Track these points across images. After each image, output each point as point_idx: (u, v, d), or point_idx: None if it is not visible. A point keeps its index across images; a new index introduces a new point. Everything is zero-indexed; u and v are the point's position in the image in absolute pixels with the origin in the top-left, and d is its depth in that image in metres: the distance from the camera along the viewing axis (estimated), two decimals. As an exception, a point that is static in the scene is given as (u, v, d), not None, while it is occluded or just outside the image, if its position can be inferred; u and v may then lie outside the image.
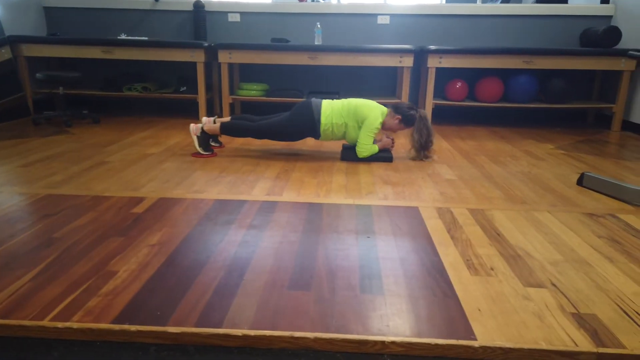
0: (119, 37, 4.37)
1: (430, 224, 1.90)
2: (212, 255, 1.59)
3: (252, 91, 4.38)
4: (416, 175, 2.65)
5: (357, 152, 2.89)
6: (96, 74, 4.82)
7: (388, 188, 2.39)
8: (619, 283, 1.44)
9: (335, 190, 2.34)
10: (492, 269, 1.52)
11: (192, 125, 2.96)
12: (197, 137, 2.94)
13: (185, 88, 4.45)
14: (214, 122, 3.09)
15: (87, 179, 2.43)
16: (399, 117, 2.91)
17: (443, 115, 4.60)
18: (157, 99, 4.74)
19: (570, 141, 3.69)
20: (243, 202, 2.13)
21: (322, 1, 4.92)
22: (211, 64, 4.55)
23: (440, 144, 3.52)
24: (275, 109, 4.83)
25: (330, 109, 2.89)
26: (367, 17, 4.62)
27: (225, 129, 2.96)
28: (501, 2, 4.71)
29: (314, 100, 2.94)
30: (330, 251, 1.63)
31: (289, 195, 2.24)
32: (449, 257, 1.60)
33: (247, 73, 4.80)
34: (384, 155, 2.95)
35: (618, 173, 2.74)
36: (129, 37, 4.38)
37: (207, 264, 1.52)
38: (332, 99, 3.00)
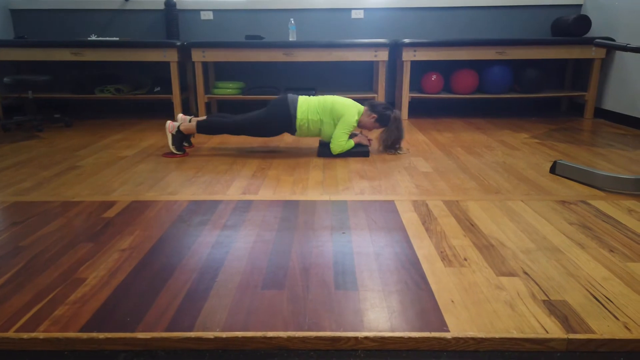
0: (89, 39, 4.28)
1: (406, 217, 1.90)
2: (185, 258, 1.56)
3: (228, 89, 4.34)
4: (393, 168, 2.65)
5: (331, 148, 2.89)
6: (68, 76, 4.72)
7: (364, 182, 2.38)
8: (589, 269, 1.45)
9: (311, 186, 2.33)
10: (465, 259, 1.52)
11: (168, 123, 2.92)
12: (172, 135, 2.90)
13: (159, 88, 4.39)
14: (190, 122, 3.05)
15: (57, 184, 2.38)
16: (375, 116, 2.92)
17: (420, 108, 4.62)
18: (131, 100, 4.67)
19: (544, 130, 3.73)
20: (218, 202, 2.10)
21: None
22: (185, 63, 4.50)
23: (417, 136, 3.53)
24: (252, 107, 4.81)
25: (307, 105, 2.88)
26: (341, 12, 4.61)
27: (202, 127, 2.92)
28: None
29: (290, 95, 2.93)
30: (304, 249, 1.62)
31: (264, 194, 2.22)
32: (424, 249, 1.60)
33: (223, 71, 4.75)
34: (360, 150, 2.94)
35: (590, 160, 2.78)
36: (99, 38, 4.30)
37: (179, 267, 1.50)
38: (309, 95, 2.99)
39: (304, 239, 1.70)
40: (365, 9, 4.59)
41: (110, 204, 2.08)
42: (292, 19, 4.25)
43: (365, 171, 2.61)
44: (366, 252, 1.59)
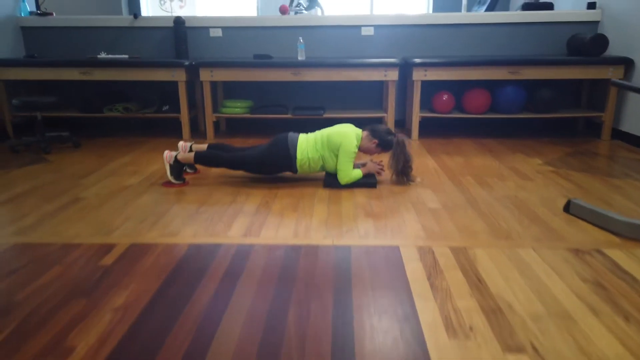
0: (98, 56, 4.28)
1: (411, 269, 1.84)
2: (180, 317, 1.52)
3: (236, 108, 4.30)
4: (400, 203, 2.58)
5: (338, 179, 2.82)
6: (77, 94, 4.73)
7: (369, 222, 2.32)
8: (602, 344, 1.37)
9: (315, 226, 2.27)
10: (471, 328, 1.45)
11: (166, 153, 2.89)
12: (170, 165, 2.87)
13: (167, 107, 4.36)
14: (191, 149, 3.01)
15: (59, 220, 2.35)
16: (376, 141, 2.85)
17: (430, 128, 4.53)
18: (138, 118, 4.66)
19: (559, 154, 3.62)
20: (218, 246, 2.06)
21: (306, 12, 4.84)
22: (194, 81, 4.47)
23: (427, 161, 3.46)
24: (260, 126, 4.77)
25: (306, 144, 2.83)
26: (350, 29, 4.54)
27: (199, 159, 2.88)
28: (485, 10, 4.63)
29: (290, 134, 2.87)
30: (303, 311, 1.56)
31: (266, 235, 2.16)
32: (427, 314, 1.53)
33: (231, 90, 4.72)
34: (367, 182, 2.88)
35: (606, 195, 2.68)
36: (109, 56, 4.29)
37: (173, 330, 1.45)
38: (305, 132, 2.93)
39: (304, 299, 1.64)
40: (375, 26, 4.52)
41: (110, 248, 2.04)
42: (300, 38, 4.19)
43: (372, 206, 2.54)
44: (367, 317, 1.53)
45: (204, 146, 3.09)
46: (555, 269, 1.83)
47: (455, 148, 3.87)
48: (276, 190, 2.82)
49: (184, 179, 2.93)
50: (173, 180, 2.88)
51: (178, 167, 2.89)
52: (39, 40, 4.64)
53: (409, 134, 4.35)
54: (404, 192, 2.79)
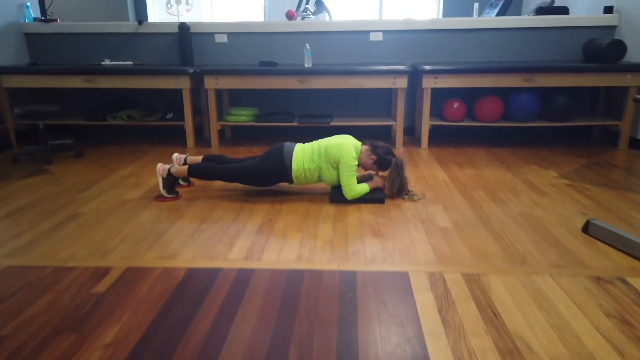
0: (102, 63, 4.21)
1: (420, 300, 1.73)
2: (172, 357, 1.42)
3: (241, 116, 4.21)
4: (409, 221, 2.47)
5: (344, 195, 2.72)
6: (81, 102, 4.66)
7: (376, 243, 2.21)
8: (631, 395, 1.26)
9: (320, 247, 2.17)
10: (486, 373, 1.34)
11: (159, 166, 2.81)
12: (163, 178, 2.79)
13: (172, 115, 4.28)
14: (185, 161, 2.93)
15: (55, 240, 2.27)
16: (374, 157, 2.76)
17: (440, 136, 4.41)
18: (142, 126, 4.58)
19: (575, 165, 3.49)
20: (218, 270, 1.96)
21: (313, 17, 4.73)
22: (199, 88, 4.38)
23: (436, 173, 3.34)
24: (266, 134, 4.68)
25: (302, 154, 2.74)
26: (359, 34, 4.43)
27: (194, 172, 2.80)
28: (497, 14, 4.50)
29: (286, 144, 2.79)
30: (305, 348, 1.46)
31: (268, 258, 2.07)
32: (439, 355, 1.42)
33: (237, 97, 4.63)
34: (375, 197, 2.77)
35: (627, 214, 2.55)
36: (113, 62, 4.22)
37: (165, 372, 1.36)
38: (310, 141, 2.84)
39: (306, 333, 1.53)
40: (384, 31, 4.40)
41: (105, 272, 1.95)
42: (307, 45, 4.09)
43: (379, 224, 2.43)
44: (374, 358, 1.42)
45: (199, 158, 3.00)
46: (576, 301, 1.71)
47: (467, 158, 3.74)
48: (280, 206, 2.72)
49: (176, 193, 2.85)
50: (165, 194, 2.80)
51: (171, 181, 2.81)
52: (43, 47, 4.58)
53: (418, 142, 4.23)
54: (413, 208, 2.67)
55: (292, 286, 1.83)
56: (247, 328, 1.56)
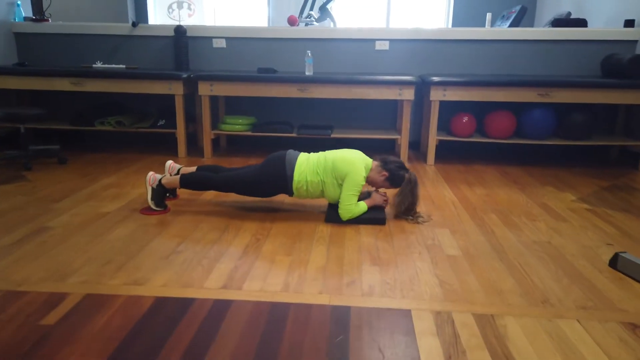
0: (94, 65, 3.99)
1: (424, 346, 1.45)
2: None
3: (237, 125, 3.97)
4: (412, 247, 2.20)
5: (340, 214, 2.46)
6: (70, 106, 4.44)
7: (375, 272, 1.94)
8: None
9: (310, 276, 1.90)
10: None
11: (149, 175, 2.56)
12: (153, 189, 2.54)
13: (163, 122, 4.04)
14: (178, 172, 2.67)
15: (13, 258, 2.01)
16: (386, 174, 2.49)
17: (448, 152, 4.15)
18: (133, 133, 4.35)
19: (593, 188, 3.21)
20: (190, 301, 1.70)
21: (317, 24, 4.51)
22: (193, 95, 4.15)
23: (444, 192, 3.07)
24: (263, 145, 4.44)
25: (306, 164, 2.48)
26: (364, 43, 4.20)
27: (186, 182, 2.55)
28: (509, 26, 4.26)
29: (289, 152, 2.53)
30: (281, 410, 1.19)
31: (250, 287, 1.80)
32: None
33: (233, 105, 4.39)
34: (375, 217, 2.50)
35: (657, 245, 2.27)
36: (105, 66, 4.00)
37: None
38: (310, 152, 2.59)
39: (284, 388, 1.26)
40: (390, 40, 4.17)
41: (60, 299, 1.69)
42: (309, 52, 3.86)
43: (378, 250, 2.16)
44: (365, 423, 1.15)
45: (193, 169, 2.75)
46: (610, 354, 1.43)
47: (476, 177, 3.47)
48: (270, 224, 2.46)
49: (165, 206, 2.60)
50: (153, 207, 2.54)
51: (161, 193, 2.56)
52: (33, 48, 4.38)
53: (423, 158, 3.97)
54: (417, 231, 2.41)
55: (274, 322, 1.56)
56: (214, 378, 1.30)
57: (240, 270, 1.94)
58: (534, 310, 1.67)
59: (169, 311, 1.63)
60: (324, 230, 2.41)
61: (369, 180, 2.54)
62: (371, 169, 2.51)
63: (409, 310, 1.66)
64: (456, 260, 2.07)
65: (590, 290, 1.83)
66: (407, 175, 2.49)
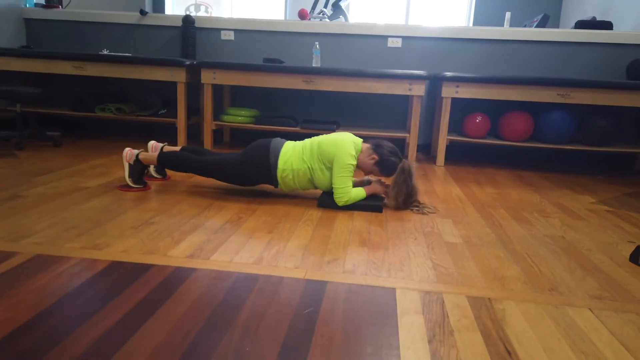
0: (99, 53, 3.91)
1: (405, 324, 1.24)
2: (45, 358, 0.97)
3: (239, 117, 3.83)
4: (408, 233, 1.99)
5: (335, 199, 2.26)
6: (72, 92, 4.37)
7: (362, 253, 1.73)
8: None
9: (289, 252, 1.70)
10: None
11: (126, 150, 2.41)
12: (130, 165, 2.38)
13: (165, 111, 3.93)
14: (161, 151, 2.52)
15: (-28, 219, 1.86)
16: (376, 157, 2.29)
17: (459, 154, 3.94)
18: (135, 121, 4.25)
19: (615, 194, 2.96)
20: (148, 267, 1.51)
21: (328, 20, 4.38)
22: (198, 84, 4.04)
23: (450, 189, 2.85)
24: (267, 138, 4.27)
25: (292, 151, 2.29)
26: (375, 39, 4.05)
27: (162, 160, 2.38)
28: (536, 26, 4.07)
29: (275, 139, 2.35)
30: (219, 377, 0.98)
31: (220, 259, 1.61)
32: (417, 405, 0.93)
33: (238, 97, 4.27)
34: (371, 204, 2.30)
35: (687, 244, 2.01)
36: (111, 53, 3.92)
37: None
38: (301, 140, 2.41)
39: (232, 354, 1.06)
40: (403, 37, 4.01)
41: (5, 257, 1.53)
42: (317, 43, 3.72)
43: (370, 233, 1.95)
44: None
45: (176, 148, 2.59)
46: (627, 344, 1.20)
47: (488, 178, 3.25)
48: (257, 206, 2.28)
49: (144, 183, 2.44)
50: (131, 184, 2.39)
51: (139, 169, 2.41)
52: (42, 33, 4.34)
53: (433, 160, 3.76)
54: (416, 219, 2.19)
55: (236, 293, 1.36)
56: (155, 337, 1.10)
57: (212, 243, 1.76)
58: (538, 297, 1.44)
59: (120, 275, 1.44)
60: (314, 213, 2.22)
61: (358, 163, 2.34)
62: (361, 151, 2.31)
63: (394, 289, 1.44)
64: (455, 247, 1.85)
65: (607, 281, 1.59)
66: (400, 163, 2.28)
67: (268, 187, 2.63)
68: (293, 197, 2.47)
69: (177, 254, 1.63)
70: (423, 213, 2.30)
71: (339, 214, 2.21)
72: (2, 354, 1.02)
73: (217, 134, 4.32)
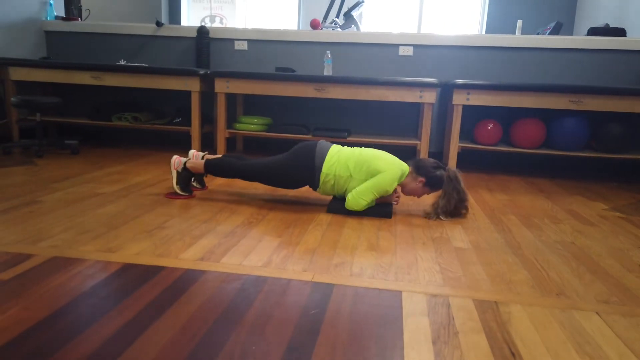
0: (116, 64, 4.01)
1: (410, 326, 1.25)
2: (56, 355, 1.01)
3: (252, 125, 3.88)
4: (416, 238, 2.00)
5: (346, 200, 2.27)
6: (90, 102, 4.48)
7: (370, 257, 1.75)
8: None
9: (297, 255, 1.73)
10: None
11: (174, 158, 2.47)
12: (178, 172, 2.44)
13: (180, 119, 4.00)
14: (202, 159, 2.56)
15: (-8, 223, 1.93)
16: (423, 179, 2.30)
17: (471, 161, 3.93)
18: (150, 130, 4.33)
19: (629, 201, 2.93)
20: (159, 269, 1.55)
21: (340, 30, 4.44)
22: (212, 94, 4.11)
23: (462, 196, 2.85)
24: (278, 146, 4.33)
25: (337, 157, 2.30)
26: (386, 48, 4.08)
27: (210, 166, 2.42)
28: (549, 34, 4.06)
29: (321, 142, 2.37)
30: (225, 374, 1.01)
31: (229, 262, 1.64)
32: (419, 402, 0.94)
33: (252, 106, 4.33)
34: (381, 211, 2.31)
35: (700, 251, 1.99)
36: (127, 64, 4.01)
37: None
38: (343, 145, 2.43)
39: (239, 353, 1.09)
40: (415, 46, 4.04)
41: (23, 259, 1.58)
42: (328, 52, 3.77)
43: (379, 238, 1.97)
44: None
45: (218, 157, 2.64)
46: (633, 347, 1.19)
47: (499, 185, 3.24)
48: (268, 211, 2.31)
49: (191, 191, 2.49)
50: (179, 192, 2.44)
51: (186, 176, 2.46)
52: (62, 46, 4.46)
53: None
54: (425, 225, 2.20)
55: (245, 294, 1.39)
56: (165, 335, 1.13)
57: (222, 246, 1.79)
58: (545, 301, 1.44)
59: (133, 276, 1.48)
60: (324, 218, 2.24)
61: (406, 190, 2.36)
62: (406, 177, 2.33)
63: (400, 292, 1.46)
64: (463, 253, 1.86)
65: (616, 287, 1.58)
66: (446, 174, 2.30)
67: (281, 192, 2.66)
68: (304, 203, 2.50)
69: (188, 256, 1.67)
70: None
71: (348, 220, 2.24)
72: (19, 350, 1.06)
73: (230, 142, 4.37)
